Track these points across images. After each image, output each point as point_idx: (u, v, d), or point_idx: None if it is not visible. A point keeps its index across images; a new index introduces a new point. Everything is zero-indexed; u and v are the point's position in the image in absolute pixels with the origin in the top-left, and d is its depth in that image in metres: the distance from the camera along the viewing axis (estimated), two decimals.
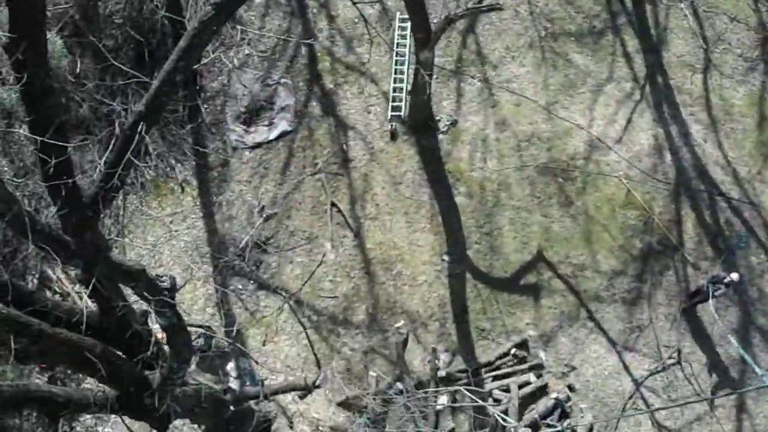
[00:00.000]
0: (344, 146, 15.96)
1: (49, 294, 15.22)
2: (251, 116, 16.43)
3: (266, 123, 16.36)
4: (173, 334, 8.30)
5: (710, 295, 14.06)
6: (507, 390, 14.19)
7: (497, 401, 14.04)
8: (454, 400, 14.02)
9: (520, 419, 14.03)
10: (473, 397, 13.00)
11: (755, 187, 16.06)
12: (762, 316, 15.26)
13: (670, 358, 14.79)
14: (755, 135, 16.49)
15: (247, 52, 17.01)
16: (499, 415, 11.85)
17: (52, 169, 6.20)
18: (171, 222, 15.88)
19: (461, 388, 13.22)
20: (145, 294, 7.60)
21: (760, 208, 15.92)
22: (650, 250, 15.36)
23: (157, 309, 7.87)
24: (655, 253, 15.25)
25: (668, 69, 16.84)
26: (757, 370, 11.65)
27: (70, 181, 6.44)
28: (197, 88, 16.60)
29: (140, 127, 6.81)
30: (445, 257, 15.14)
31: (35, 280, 15.71)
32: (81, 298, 13.91)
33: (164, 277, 15.16)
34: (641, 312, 15.05)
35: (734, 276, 14.02)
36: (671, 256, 15.38)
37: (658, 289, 15.11)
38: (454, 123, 16.08)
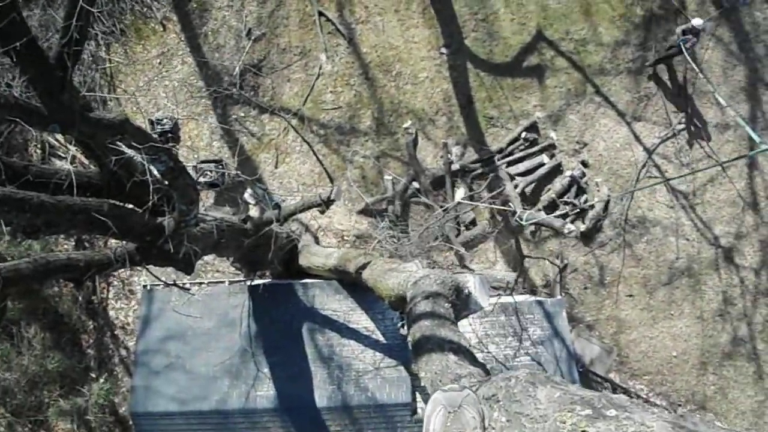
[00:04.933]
0: None
1: (57, 161, 15.13)
2: None
3: None
4: (174, 178, 8.08)
5: (682, 48, 13.71)
6: (522, 174, 14.36)
7: (515, 186, 14.23)
8: (471, 190, 14.20)
9: (537, 201, 14.33)
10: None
11: None
12: None
13: (679, 123, 14.78)
14: None
15: None
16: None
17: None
18: (160, 63, 15.49)
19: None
20: (136, 144, 7.29)
21: None
22: (652, 16, 14.90)
23: (151, 156, 7.60)
24: (657, 19, 14.80)
25: None
26: (754, 136, 11.62)
27: (24, 40, 5.88)
28: None
29: None
30: (443, 50, 14.76)
31: (38, 150, 15.58)
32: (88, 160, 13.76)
33: (164, 120, 14.99)
34: (648, 80, 14.88)
35: (695, 21, 13.58)
36: (674, 21, 14.94)
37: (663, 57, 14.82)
38: None
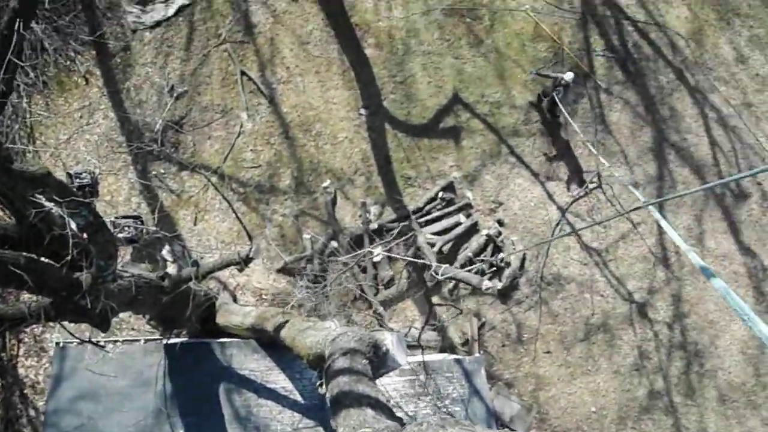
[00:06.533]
0: (246, 12, 15.41)
1: None
2: None
3: (162, 0, 15.63)
4: (94, 233, 8.11)
5: (557, 99, 14.41)
6: (438, 233, 14.58)
7: (431, 245, 14.43)
8: (389, 249, 14.34)
9: (454, 260, 14.55)
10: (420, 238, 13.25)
11: (659, 8, 16.24)
12: (675, 134, 15.82)
13: (591, 182, 15.30)
14: None
15: None
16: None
17: None
18: (81, 116, 15.38)
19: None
20: (56, 197, 7.32)
21: (666, 29, 16.16)
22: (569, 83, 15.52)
23: (71, 210, 7.62)
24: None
25: None
26: (638, 196, 12.27)
27: None
28: None
29: (17, 24, 6.39)
30: (362, 111, 15.07)
31: None
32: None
33: (83, 174, 14.78)
34: (560, 141, 15.41)
35: (567, 76, 14.18)
36: (584, 84, 15.62)
37: (574, 117, 15.35)
38: None
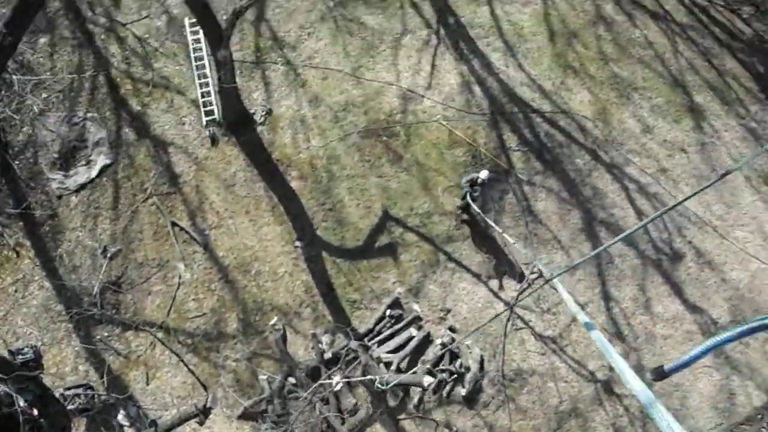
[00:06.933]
0: (168, 164, 15.64)
1: None
2: (67, 159, 15.79)
3: (84, 162, 15.77)
4: (44, 407, 7.96)
5: (469, 198, 14.85)
6: (394, 351, 14.56)
7: (388, 364, 14.39)
8: (348, 377, 14.23)
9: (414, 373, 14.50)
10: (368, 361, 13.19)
11: (563, 96, 17.09)
12: (601, 211, 16.36)
13: (531, 273, 15.57)
14: (550, 49, 17.49)
15: (44, 96, 16.24)
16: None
17: None
18: (16, 290, 15.12)
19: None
20: (1, 376, 7.20)
21: (573, 114, 16.97)
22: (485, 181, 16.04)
23: (18, 386, 7.50)
24: (490, 182, 15.86)
25: (456, 8, 17.56)
26: (543, 270, 12.73)
27: None
28: (2, 144, 15.77)
29: None
30: (297, 243, 15.21)
31: None
32: None
33: (25, 349, 14.44)
34: (494, 240, 15.77)
35: (482, 174, 14.69)
36: (506, 180, 16.16)
37: (502, 214, 15.84)
38: (269, 112, 16.10)
